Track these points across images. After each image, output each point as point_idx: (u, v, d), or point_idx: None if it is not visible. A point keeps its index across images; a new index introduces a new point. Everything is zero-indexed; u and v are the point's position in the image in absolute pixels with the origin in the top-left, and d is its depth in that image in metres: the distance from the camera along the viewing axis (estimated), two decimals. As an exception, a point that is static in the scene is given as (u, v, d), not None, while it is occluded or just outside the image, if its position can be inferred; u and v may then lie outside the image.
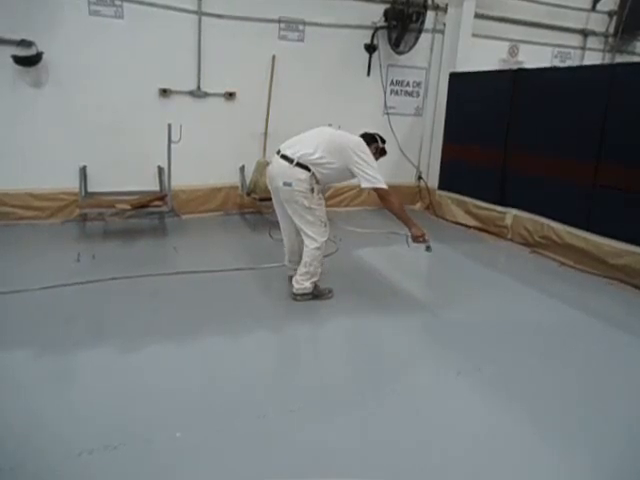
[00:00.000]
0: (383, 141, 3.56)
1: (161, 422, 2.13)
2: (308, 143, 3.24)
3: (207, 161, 5.38)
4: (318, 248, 3.33)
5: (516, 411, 2.38)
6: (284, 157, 3.22)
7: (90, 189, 5.01)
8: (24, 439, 1.99)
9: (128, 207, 4.61)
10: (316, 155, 3.17)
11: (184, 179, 5.22)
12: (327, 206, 3.39)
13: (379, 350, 2.98)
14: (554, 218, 4.75)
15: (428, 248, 3.35)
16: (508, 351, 2.97)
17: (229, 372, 2.65)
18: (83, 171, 4.96)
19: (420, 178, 6.69)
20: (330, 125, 3.56)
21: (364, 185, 3.24)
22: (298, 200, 3.20)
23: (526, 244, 5.05)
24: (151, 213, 5.06)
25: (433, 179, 6.44)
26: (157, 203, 4.87)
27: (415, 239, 3.33)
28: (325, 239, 3.37)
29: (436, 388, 2.55)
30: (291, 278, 3.58)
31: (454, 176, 6.07)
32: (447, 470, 1.96)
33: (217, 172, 5.54)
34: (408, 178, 6.70)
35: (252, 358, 2.86)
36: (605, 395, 2.57)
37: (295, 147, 3.24)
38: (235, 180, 5.63)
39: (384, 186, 3.22)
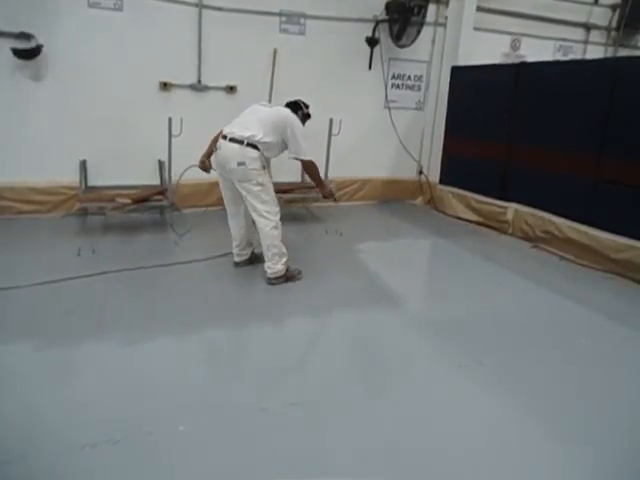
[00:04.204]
0: (307, 106, 3.83)
1: (163, 415, 2.14)
2: (252, 125, 3.45)
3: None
4: (275, 227, 3.50)
5: (517, 406, 2.38)
6: (233, 140, 3.40)
7: (90, 183, 4.99)
8: (26, 432, 1.99)
9: (128, 201, 4.59)
10: (260, 135, 3.40)
11: (185, 173, 5.19)
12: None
13: (379, 344, 2.99)
14: (555, 212, 4.74)
15: (335, 200, 4.05)
16: (509, 345, 2.97)
17: (230, 365, 2.66)
18: (83, 165, 4.94)
19: (421, 172, 6.67)
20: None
21: (292, 155, 3.57)
22: (252, 178, 3.39)
23: (527, 239, 5.04)
24: (152, 207, 5.05)
25: (434, 173, 6.42)
26: (157, 197, 4.85)
27: (324, 196, 3.94)
28: (279, 218, 3.54)
29: (437, 382, 2.55)
30: (236, 263, 3.88)
31: (455, 170, 6.05)
32: (448, 468, 1.96)
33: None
34: (409, 172, 6.68)
35: (251, 351, 2.87)
36: (606, 389, 2.57)
37: (241, 130, 3.43)
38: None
39: (310, 158, 3.58)
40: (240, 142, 3.37)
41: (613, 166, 4.26)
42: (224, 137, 3.45)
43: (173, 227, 4.72)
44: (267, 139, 3.43)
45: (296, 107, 3.72)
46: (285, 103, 3.77)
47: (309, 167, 3.64)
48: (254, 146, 3.39)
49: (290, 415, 2.20)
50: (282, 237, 3.59)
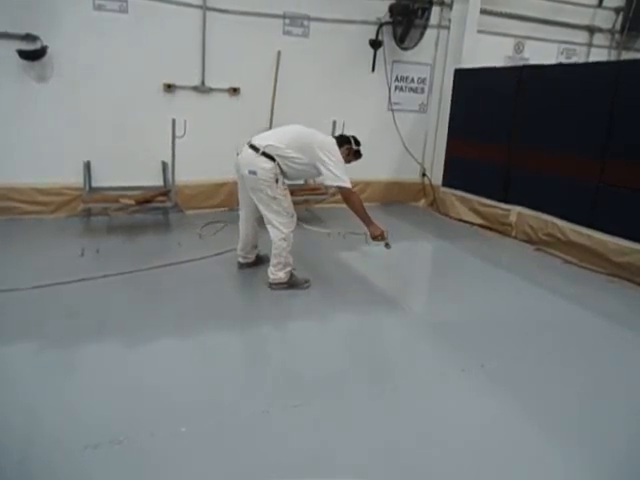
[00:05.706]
0: (357, 143, 3.64)
1: (165, 417, 2.14)
2: (277, 137, 3.39)
3: (211, 156, 5.37)
4: (284, 239, 3.43)
5: (518, 409, 2.38)
6: (252, 147, 3.35)
7: (94, 184, 5.01)
8: (29, 434, 2.00)
9: (132, 202, 4.61)
10: (283, 148, 3.31)
11: (188, 174, 5.22)
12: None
13: (382, 347, 2.99)
14: (558, 215, 4.74)
15: (387, 245, 3.43)
16: (511, 347, 2.97)
17: (232, 367, 2.66)
18: (87, 166, 4.97)
19: (424, 175, 6.68)
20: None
21: (327, 182, 3.40)
22: (263, 189, 3.32)
23: (530, 241, 5.03)
24: (155, 208, 5.06)
25: (437, 176, 6.42)
26: (161, 198, 4.87)
27: (374, 238, 3.45)
28: (291, 230, 3.46)
29: (439, 384, 2.55)
30: (240, 264, 3.87)
31: (458, 173, 6.05)
32: (448, 469, 1.96)
33: (221, 167, 5.53)
34: (412, 175, 6.69)
35: (253, 353, 2.87)
36: (607, 392, 2.56)
37: (264, 139, 3.37)
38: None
39: (347, 185, 3.33)
40: (256, 150, 3.30)
41: (616, 169, 4.25)
42: (248, 143, 3.41)
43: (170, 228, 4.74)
44: (288, 153, 3.32)
45: (342, 139, 3.56)
46: (336, 135, 3.64)
47: (349, 198, 3.37)
48: (269, 157, 3.29)
49: (292, 417, 2.20)
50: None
